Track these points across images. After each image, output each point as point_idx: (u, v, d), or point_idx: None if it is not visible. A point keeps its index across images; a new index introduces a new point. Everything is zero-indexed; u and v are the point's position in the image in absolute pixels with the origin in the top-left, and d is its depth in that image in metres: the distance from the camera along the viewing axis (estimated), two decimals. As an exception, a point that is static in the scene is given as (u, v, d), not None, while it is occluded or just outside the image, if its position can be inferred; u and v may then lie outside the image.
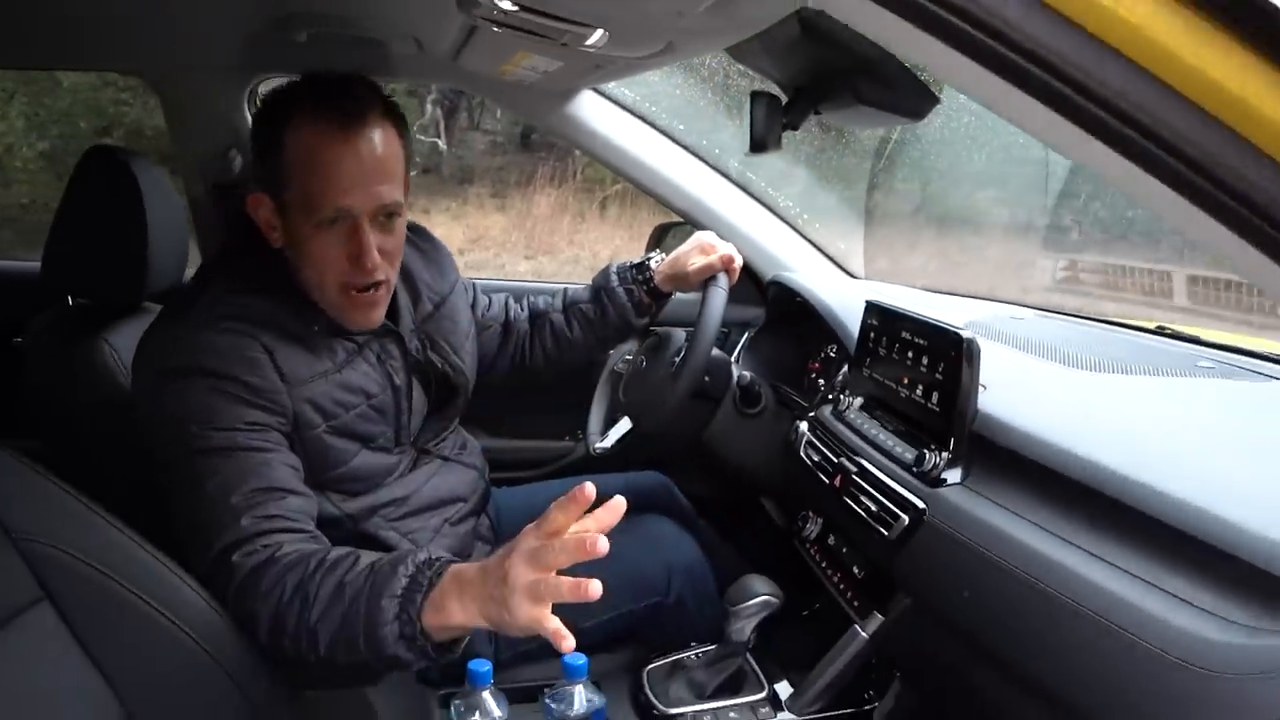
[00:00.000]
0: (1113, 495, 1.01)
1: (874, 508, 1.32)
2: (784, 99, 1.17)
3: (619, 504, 0.97)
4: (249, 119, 1.84)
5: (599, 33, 1.08)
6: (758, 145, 1.15)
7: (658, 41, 1.14)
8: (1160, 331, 1.68)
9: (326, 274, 1.23)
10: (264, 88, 1.83)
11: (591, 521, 0.96)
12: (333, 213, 1.20)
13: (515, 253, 9.10)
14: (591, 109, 1.91)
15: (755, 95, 1.13)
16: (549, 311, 1.71)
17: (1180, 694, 0.86)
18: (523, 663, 1.45)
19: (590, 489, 0.94)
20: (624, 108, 1.94)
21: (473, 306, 1.64)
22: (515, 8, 1.01)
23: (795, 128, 1.18)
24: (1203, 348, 1.55)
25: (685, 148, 2.01)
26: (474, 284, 1.68)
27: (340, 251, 1.22)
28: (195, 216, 1.86)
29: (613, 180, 10.16)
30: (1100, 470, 1.04)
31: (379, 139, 1.21)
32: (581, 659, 1.29)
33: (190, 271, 1.48)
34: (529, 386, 1.78)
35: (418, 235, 1.51)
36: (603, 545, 0.92)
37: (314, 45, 1.56)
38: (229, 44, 1.64)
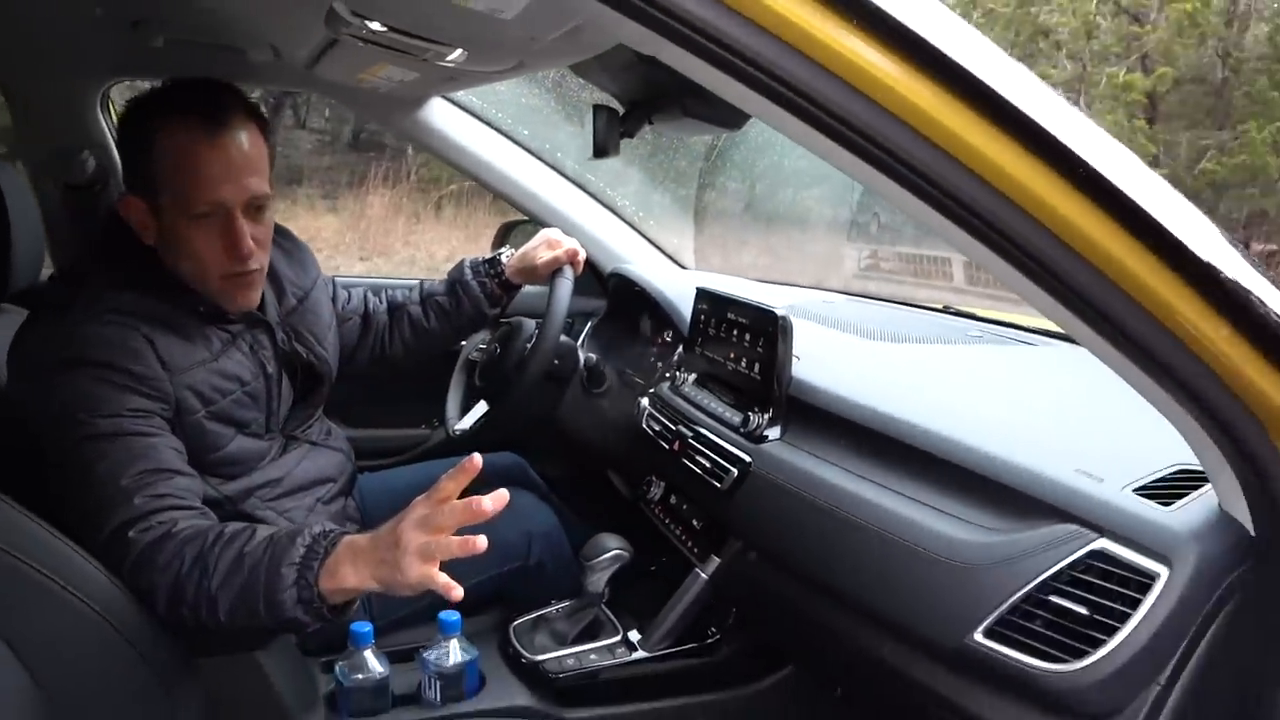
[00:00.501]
0: (902, 439, 1.26)
1: (708, 465, 1.52)
2: (621, 110, 1.34)
3: (501, 495, 1.08)
4: (102, 121, 1.86)
5: (458, 51, 1.22)
6: (599, 151, 1.32)
7: (511, 60, 1.28)
8: (945, 310, 1.98)
9: (206, 264, 1.32)
10: (117, 92, 1.86)
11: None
12: (207, 207, 1.29)
13: (349, 254, 8.95)
14: (442, 115, 2.03)
15: (596, 108, 1.30)
16: (407, 304, 1.82)
17: (944, 583, 1.10)
18: (397, 628, 1.56)
19: (477, 459, 1.07)
20: (472, 114, 2.07)
21: (333, 300, 1.73)
22: (384, 29, 1.13)
23: (631, 136, 1.35)
24: (976, 322, 1.85)
25: (530, 151, 2.16)
26: (333, 279, 1.78)
27: (217, 242, 1.31)
28: (45, 216, 1.86)
29: (448, 180, 10.14)
30: (892, 421, 1.29)
31: (245, 138, 1.31)
32: (455, 615, 1.43)
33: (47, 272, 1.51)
34: (388, 377, 1.88)
35: (280, 235, 1.60)
36: (488, 505, 1.06)
37: (170, 51, 1.61)
38: (82, 47, 1.66)
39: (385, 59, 1.39)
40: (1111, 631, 0.97)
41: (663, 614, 1.60)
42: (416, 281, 1.87)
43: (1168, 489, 1.05)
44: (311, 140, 12.58)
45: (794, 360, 1.48)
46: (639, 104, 1.33)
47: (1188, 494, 1.03)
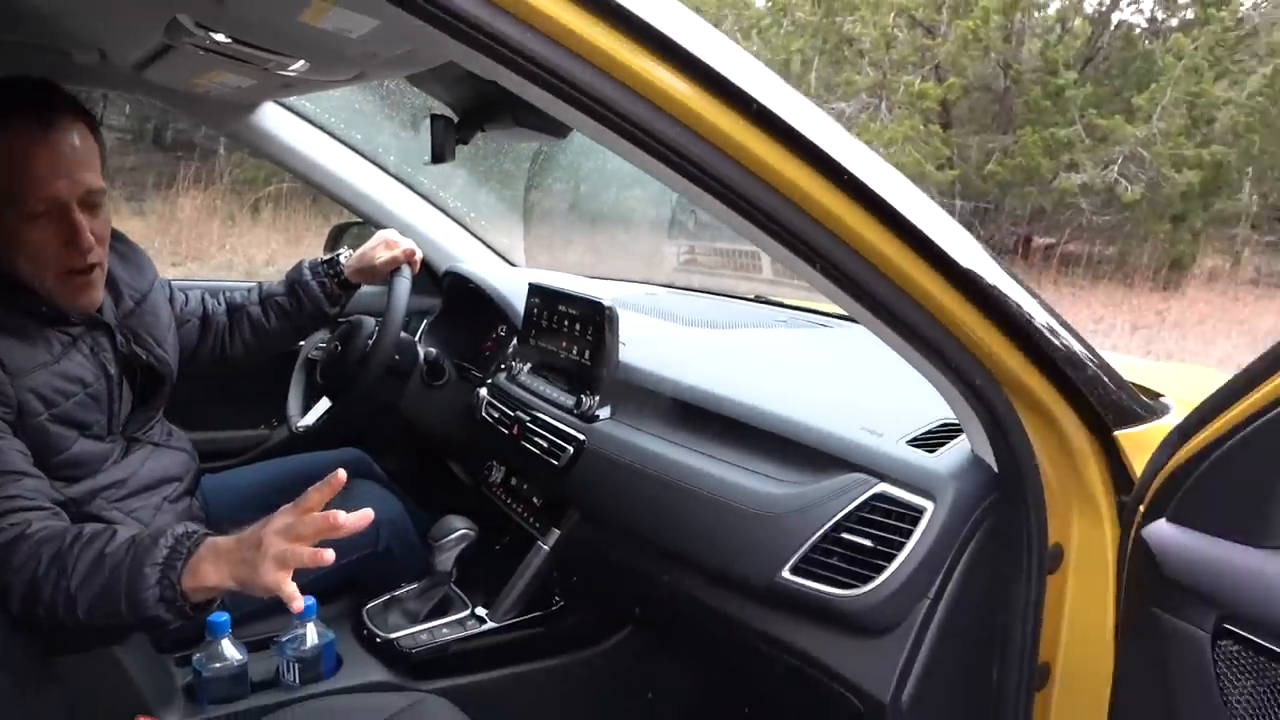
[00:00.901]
0: (718, 411, 1.44)
1: (545, 445, 1.66)
2: (455, 119, 1.45)
3: (365, 514, 1.17)
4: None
5: (300, 62, 1.29)
6: (437, 157, 1.42)
7: (352, 71, 1.37)
8: (756, 299, 2.20)
9: (44, 262, 1.33)
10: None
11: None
12: (43, 205, 1.30)
13: (161, 260, 8.43)
14: (274, 119, 2.06)
15: (433, 117, 1.40)
16: (246, 305, 1.86)
17: (755, 531, 1.28)
18: (253, 619, 1.60)
19: (342, 475, 1.16)
20: (304, 118, 2.12)
21: (170, 302, 1.75)
22: (229, 40, 1.19)
23: (466, 143, 1.46)
24: (782, 309, 2.07)
25: (362, 155, 2.22)
26: (169, 282, 1.80)
27: (55, 239, 1.32)
28: None
29: (265, 181, 9.80)
30: (709, 396, 1.47)
31: (76, 136, 1.33)
32: (310, 600, 1.50)
33: None
34: (228, 378, 1.91)
35: (114, 238, 1.61)
36: (345, 520, 1.14)
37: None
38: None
39: (223, 66, 1.43)
40: (890, 559, 1.16)
41: (508, 586, 1.71)
42: (254, 284, 1.91)
43: (933, 439, 1.26)
44: (111, 139, 11.83)
45: (620, 347, 1.64)
46: (472, 113, 1.44)
47: (947, 443, 1.24)
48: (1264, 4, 13.56)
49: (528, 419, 1.74)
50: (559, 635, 1.75)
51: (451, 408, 2.01)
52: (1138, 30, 14.08)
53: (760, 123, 0.84)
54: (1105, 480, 1.11)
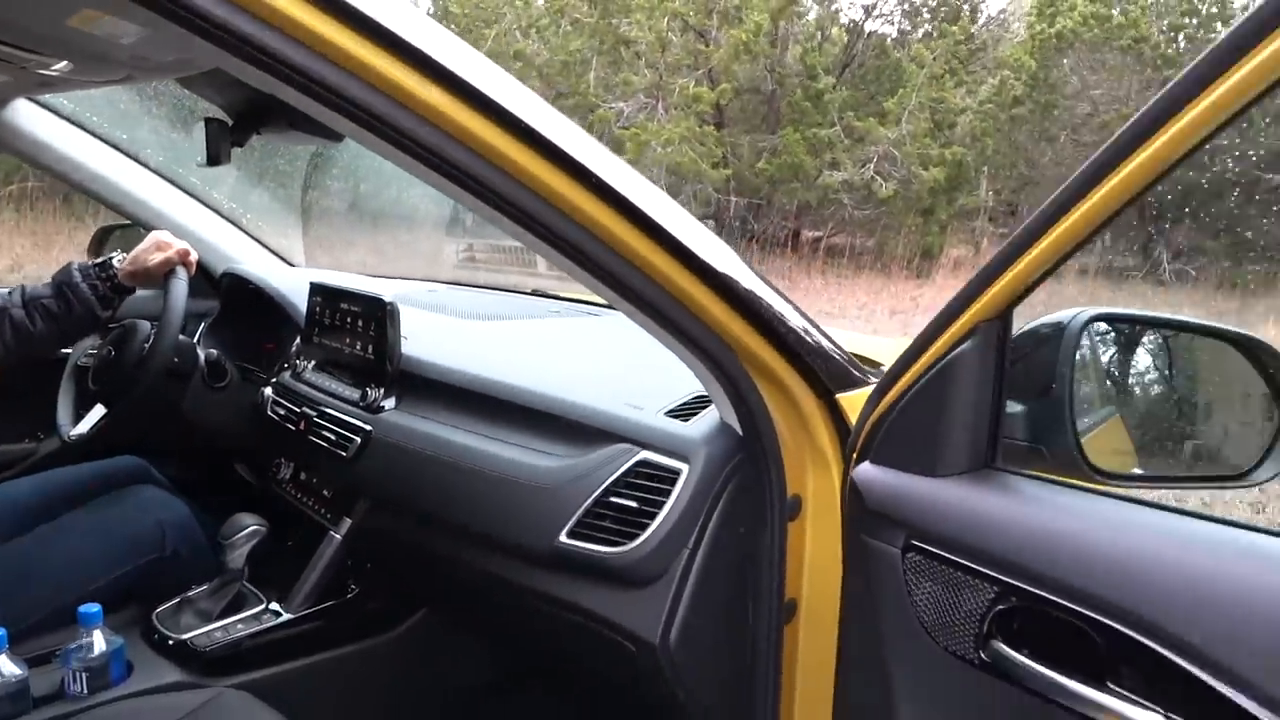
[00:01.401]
0: (497, 396, 1.55)
1: (333, 438, 1.71)
2: (230, 122, 1.48)
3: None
4: None
5: (64, 63, 1.28)
6: (212, 160, 1.45)
7: (119, 73, 1.36)
8: (533, 293, 2.33)
9: None
10: None
11: None
12: None
13: (-120, 269, 7.64)
14: (29, 117, 1.98)
15: (208, 120, 1.43)
16: (8, 307, 1.78)
17: (534, 502, 1.40)
18: (31, 635, 1.55)
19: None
20: (63, 116, 2.04)
21: None
22: (-13, 40, 1.17)
23: (241, 145, 1.49)
24: (557, 300, 2.22)
25: (129, 155, 2.16)
26: None
27: None
28: None
29: (6, 181, 8.96)
30: (488, 382, 1.58)
31: None
32: (95, 607, 1.48)
33: None
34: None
35: None
36: None
37: None
38: None
39: (-31, 63, 1.39)
40: (653, 517, 1.29)
41: (302, 578, 1.75)
42: (15, 286, 1.84)
43: (687, 410, 1.42)
44: None
45: (403, 340, 1.72)
46: (247, 116, 1.48)
47: (699, 412, 1.41)
48: (992, 23, 15.11)
49: (314, 414, 1.79)
50: (355, 623, 1.80)
51: (236, 408, 2.01)
52: (888, 40, 15.33)
53: (511, 128, 0.93)
54: (832, 437, 1.27)
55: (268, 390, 1.95)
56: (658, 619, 1.29)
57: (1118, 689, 0.83)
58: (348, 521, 1.75)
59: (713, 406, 1.33)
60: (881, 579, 1.12)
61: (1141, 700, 0.81)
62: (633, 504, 1.32)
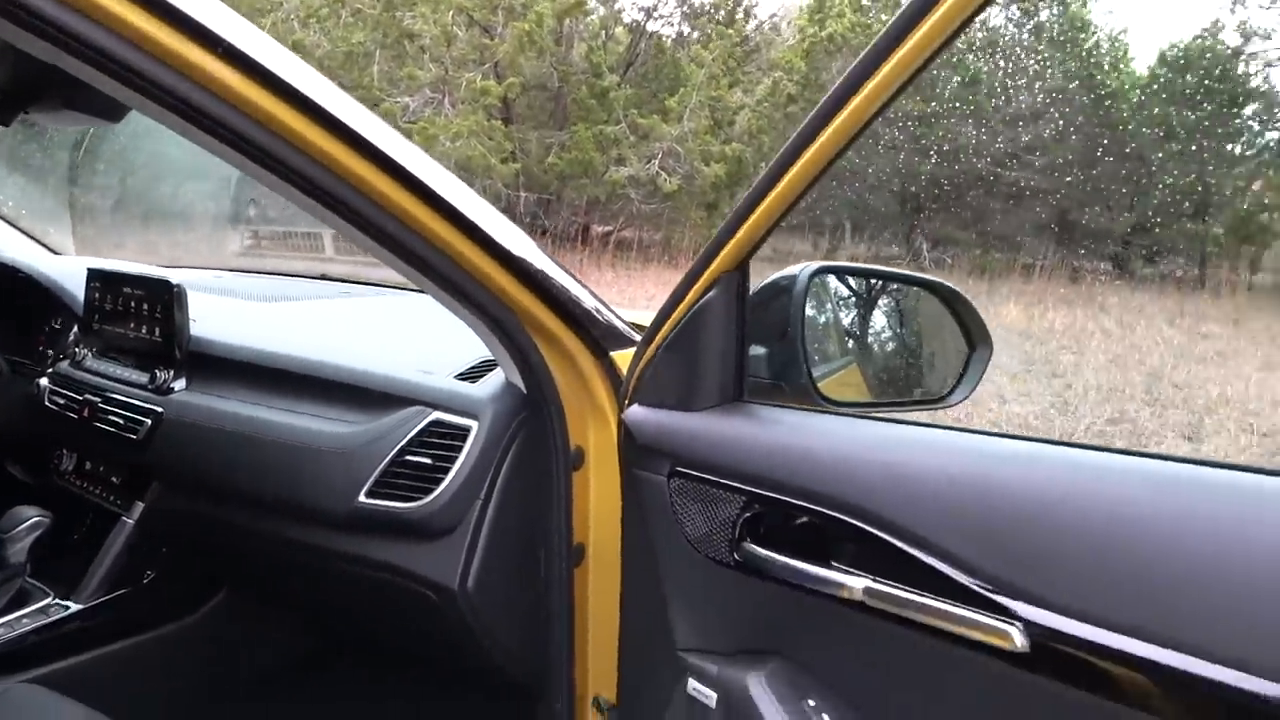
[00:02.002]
0: (293, 370, 1.60)
1: (121, 422, 1.70)
2: (-7, 100, 1.44)
3: None
4: None
5: None
6: (-26, 141, 1.42)
7: None
8: (322, 277, 2.36)
9: None
10: None
11: None
12: None
13: None
14: None
15: (-34, 100, 1.39)
16: None
17: (333, 466, 1.46)
18: None
19: None
20: None
21: None
22: None
23: (7, 124, 1.45)
24: (344, 283, 2.27)
25: None
26: None
27: None
28: None
29: None
30: (280, 356, 1.63)
31: None
32: None
33: None
34: None
35: None
36: None
37: None
38: None
39: None
40: (446, 471, 1.38)
41: (92, 567, 1.73)
42: None
43: (475, 374, 1.52)
44: None
45: (191, 322, 1.72)
46: (14, 94, 1.45)
47: (485, 375, 1.51)
48: (764, 26, 15.97)
49: (99, 400, 1.76)
50: (153, 608, 1.79)
51: (6, 403, 1.94)
52: (668, 40, 15.89)
53: (306, 110, 0.98)
54: (608, 392, 1.39)
55: (44, 381, 1.89)
56: (455, 566, 1.38)
57: (840, 565, 1.01)
58: (140, 505, 1.74)
59: (499, 369, 1.43)
60: (653, 505, 1.26)
61: (856, 570, 0.99)
62: (427, 460, 1.40)
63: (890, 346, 1.48)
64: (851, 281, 1.39)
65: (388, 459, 1.42)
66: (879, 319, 1.46)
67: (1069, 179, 15.68)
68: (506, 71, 13.63)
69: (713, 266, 1.14)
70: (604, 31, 15.03)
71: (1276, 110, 15.07)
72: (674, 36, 16.02)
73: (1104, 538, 0.80)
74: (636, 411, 1.27)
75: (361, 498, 1.42)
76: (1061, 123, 16.10)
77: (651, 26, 15.72)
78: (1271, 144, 14.73)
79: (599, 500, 1.40)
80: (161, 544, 1.78)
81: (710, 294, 1.16)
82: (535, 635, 1.43)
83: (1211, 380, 8.19)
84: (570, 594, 1.41)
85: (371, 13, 13.55)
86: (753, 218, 1.07)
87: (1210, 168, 15.08)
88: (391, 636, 1.72)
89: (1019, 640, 0.83)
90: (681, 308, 1.19)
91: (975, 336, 1.30)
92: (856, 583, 0.98)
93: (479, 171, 12.61)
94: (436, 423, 1.42)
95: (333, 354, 1.61)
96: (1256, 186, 15.00)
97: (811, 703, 1.06)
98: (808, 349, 1.21)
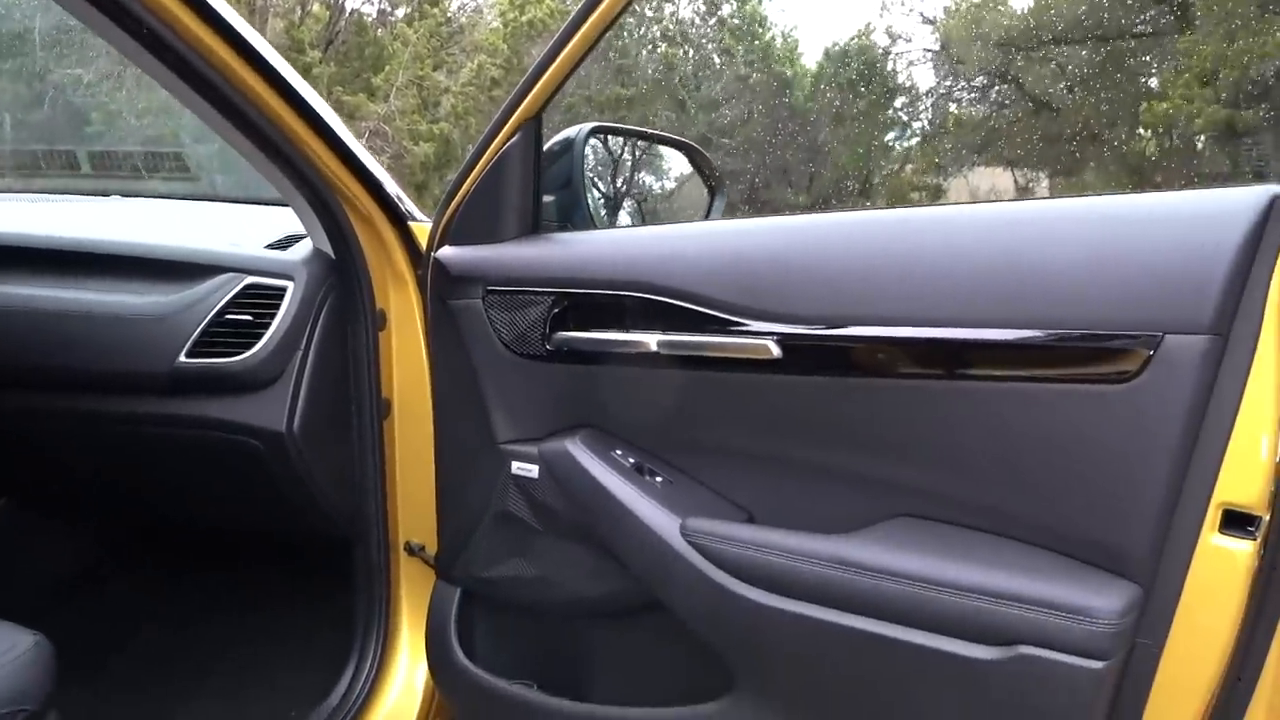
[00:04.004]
0: (93, 251, 1.62)
1: None
2: None
3: None
4: None
5: None
6: None
7: None
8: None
9: None
10: None
11: None
12: None
13: None
14: None
15: None
16: None
17: (143, 330, 1.51)
18: None
19: None
20: None
21: None
22: None
23: None
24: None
25: None
26: None
27: None
28: None
29: None
30: (80, 240, 1.65)
31: None
32: None
33: None
34: None
35: None
36: None
37: None
38: None
39: None
40: (267, 326, 1.50)
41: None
42: None
43: (282, 245, 1.63)
44: None
45: None
46: None
47: (296, 243, 1.62)
48: (467, 8, 16.06)
49: None
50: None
51: None
52: (369, 18, 15.56)
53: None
54: (407, 260, 1.55)
55: None
56: (281, 412, 1.50)
57: (635, 329, 1.26)
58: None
59: (307, 240, 1.57)
60: (470, 326, 1.42)
61: (648, 329, 1.25)
62: (248, 318, 1.51)
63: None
64: (622, 141, 1.69)
65: (207, 319, 1.51)
66: (644, 171, 1.77)
67: (758, 159, 17.12)
68: (195, 45, 12.74)
69: (515, 116, 1.34)
70: (300, 7, 14.47)
71: (918, 103, 17.26)
72: (374, 15, 15.74)
73: (818, 268, 1.15)
74: (447, 251, 1.43)
75: (182, 358, 1.50)
76: (747, 110, 17.51)
77: (352, 4, 15.36)
78: (917, 131, 16.94)
79: (401, 358, 1.55)
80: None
81: (513, 140, 1.36)
82: (352, 481, 1.56)
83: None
84: (381, 446, 1.56)
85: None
86: (551, 69, 1.32)
87: (873, 150, 17.09)
88: (209, 506, 1.79)
89: (774, 350, 1.14)
90: (488, 154, 1.37)
91: (715, 186, 1.65)
92: (650, 338, 1.24)
93: (176, 148, 11.75)
94: (253, 286, 1.53)
95: (134, 234, 1.66)
96: (909, 169, 17.09)
97: (618, 452, 1.32)
98: (588, 194, 1.48)
